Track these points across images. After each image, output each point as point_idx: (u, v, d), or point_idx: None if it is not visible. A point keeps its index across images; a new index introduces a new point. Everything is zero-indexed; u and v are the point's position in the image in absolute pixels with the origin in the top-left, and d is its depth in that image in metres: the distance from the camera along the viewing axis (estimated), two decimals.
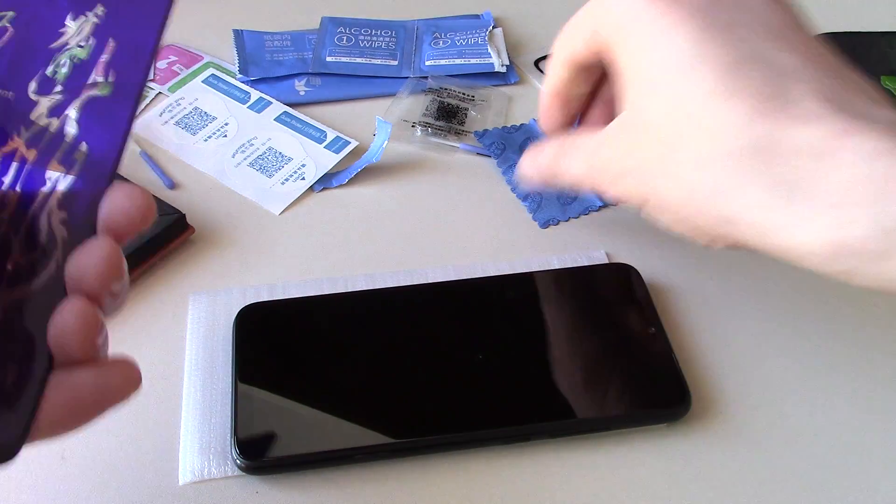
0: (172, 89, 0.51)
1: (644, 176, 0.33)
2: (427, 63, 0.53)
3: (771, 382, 0.37)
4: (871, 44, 0.58)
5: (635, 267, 0.40)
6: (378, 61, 0.53)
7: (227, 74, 0.52)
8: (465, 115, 0.50)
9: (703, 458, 0.34)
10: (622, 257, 0.42)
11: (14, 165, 0.23)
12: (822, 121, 0.28)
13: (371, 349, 0.36)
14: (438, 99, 0.51)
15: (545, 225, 0.44)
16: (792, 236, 0.28)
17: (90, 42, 0.24)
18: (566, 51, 0.38)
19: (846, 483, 0.34)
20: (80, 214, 0.23)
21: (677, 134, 0.31)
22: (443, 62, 0.53)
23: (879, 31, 0.59)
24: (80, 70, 0.24)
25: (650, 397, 0.35)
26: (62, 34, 0.24)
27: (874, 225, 0.26)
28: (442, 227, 0.44)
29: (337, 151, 0.47)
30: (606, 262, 0.42)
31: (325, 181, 0.46)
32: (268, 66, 0.53)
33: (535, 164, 0.39)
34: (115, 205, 0.23)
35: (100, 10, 0.24)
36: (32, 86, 0.24)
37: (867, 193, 0.27)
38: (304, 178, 0.46)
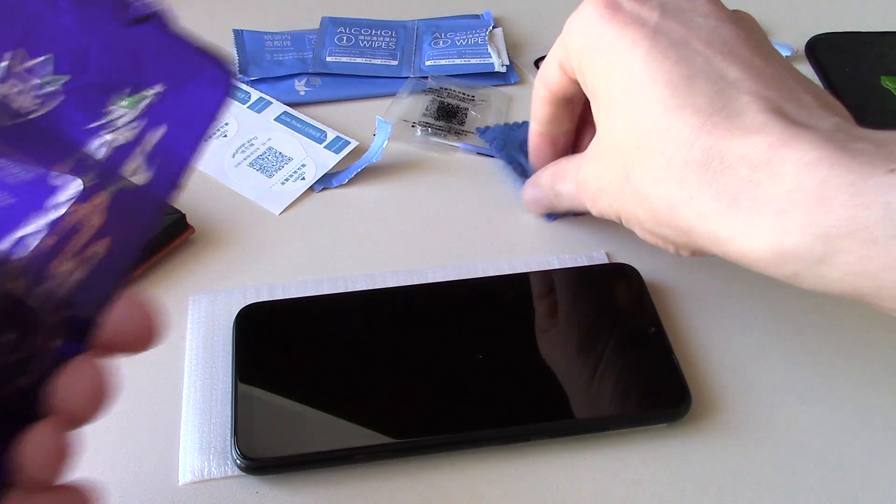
0: None
1: (614, 193, 0.35)
2: (427, 63, 0.53)
3: (771, 382, 0.37)
4: (871, 44, 0.58)
5: (635, 267, 0.40)
6: (378, 61, 0.53)
7: None
8: (465, 115, 0.50)
9: (703, 458, 0.34)
10: (622, 257, 0.42)
11: (28, 250, 0.20)
12: (763, 132, 0.29)
13: (371, 349, 0.36)
14: (438, 99, 0.51)
15: (552, 218, 0.44)
16: (740, 244, 0.29)
17: (139, 123, 0.21)
18: (545, 86, 0.39)
19: (846, 483, 0.34)
20: (80, 320, 0.21)
21: (636, 151, 0.32)
22: (443, 62, 0.53)
23: (879, 31, 0.59)
24: (120, 154, 0.21)
25: (650, 397, 0.35)
26: (109, 113, 0.21)
27: (810, 233, 0.27)
28: (442, 227, 0.44)
29: (337, 151, 0.47)
30: (606, 262, 0.42)
31: (325, 181, 0.46)
32: (268, 66, 0.53)
33: (536, 188, 0.42)
34: (119, 324, 0.22)
35: (159, 88, 0.21)
36: (67, 165, 0.21)
37: (803, 202, 0.27)
38: (304, 178, 0.46)
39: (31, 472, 0.20)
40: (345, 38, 0.55)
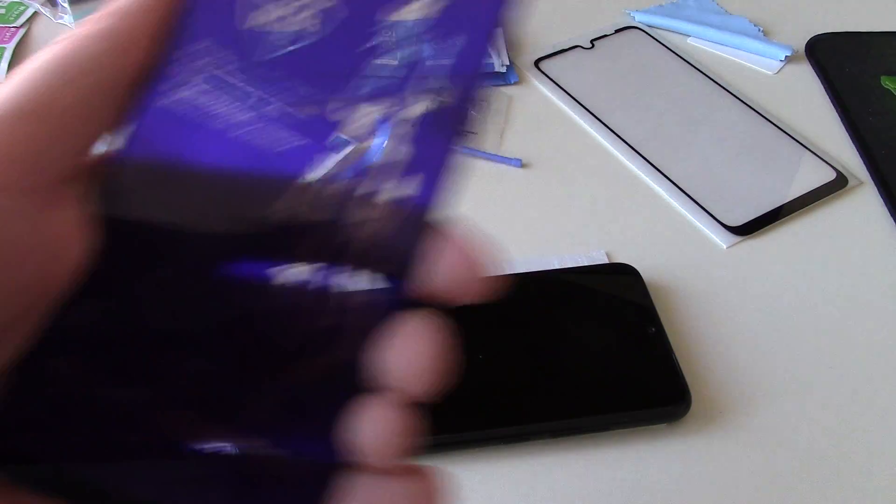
0: None
1: None
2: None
3: (771, 382, 0.37)
4: (871, 44, 0.58)
5: (635, 267, 0.40)
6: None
7: None
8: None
9: (703, 458, 0.34)
10: (622, 257, 0.42)
11: (320, 196, 0.18)
12: None
13: None
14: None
15: None
16: None
17: (432, 29, 0.18)
18: None
19: (846, 482, 0.34)
20: (389, 291, 0.17)
21: None
22: None
23: (879, 31, 0.59)
24: (414, 69, 0.18)
25: (650, 397, 0.35)
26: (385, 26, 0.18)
27: None
28: None
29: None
30: (606, 262, 0.42)
31: None
32: None
33: None
34: (441, 274, 0.17)
35: None
36: (363, 91, 0.18)
37: None
38: None
39: (374, 453, 0.18)
40: None
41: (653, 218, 0.45)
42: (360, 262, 0.17)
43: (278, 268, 0.17)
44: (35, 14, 0.57)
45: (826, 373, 0.38)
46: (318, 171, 0.18)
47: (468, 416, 0.34)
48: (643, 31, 0.58)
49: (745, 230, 0.44)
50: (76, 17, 0.56)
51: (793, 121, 0.51)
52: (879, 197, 0.47)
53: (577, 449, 0.34)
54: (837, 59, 0.56)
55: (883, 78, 0.54)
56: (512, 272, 0.41)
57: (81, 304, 0.17)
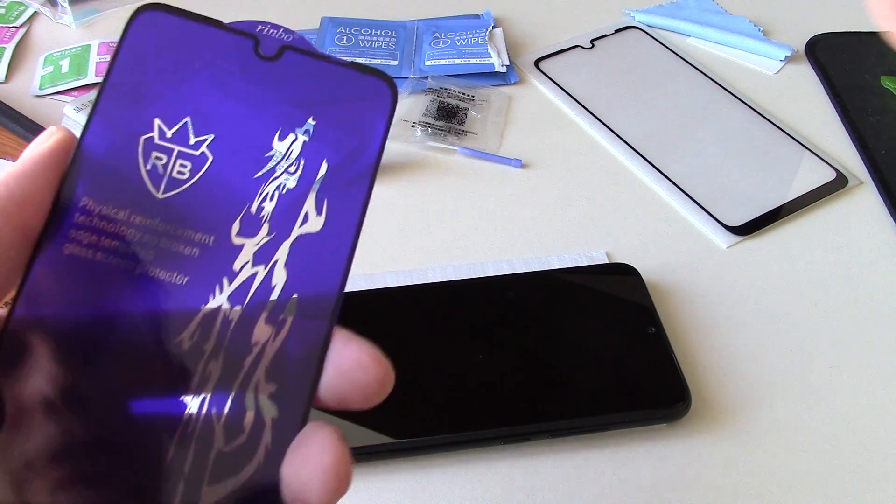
0: None
1: None
2: (427, 63, 0.53)
3: (771, 382, 0.37)
4: (871, 44, 0.58)
5: (635, 267, 0.40)
6: (378, 61, 0.53)
7: None
8: (465, 115, 0.50)
9: (703, 458, 0.34)
10: (622, 257, 0.42)
11: (217, 328, 0.19)
12: None
13: None
14: (438, 99, 0.51)
15: None
16: None
17: (300, 165, 0.20)
18: None
19: (846, 482, 0.34)
20: (294, 387, 0.19)
21: None
22: (443, 62, 0.53)
23: (879, 31, 0.59)
24: (289, 202, 0.20)
25: (650, 397, 0.35)
26: (268, 160, 0.20)
27: None
28: (442, 227, 0.44)
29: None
30: (606, 262, 0.42)
31: None
32: None
33: None
34: (342, 374, 0.20)
35: (310, 122, 0.21)
36: (235, 227, 0.20)
37: None
38: None
39: None
40: (345, 38, 0.55)
41: (653, 218, 0.45)
42: (265, 379, 0.19)
43: (186, 397, 0.19)
44: (35, 14, 0.57)
45: (826, 373, 0.38)
46: (220, 297, 0.20)
47: (468, 415, 0.34)
48: (643, 31, 0.58)
49: (745, 230, 0.44)
50: (76, 18, 0.56)
51: (793, 121, 0.51)
52: (879, 197, 0.47)
53: (577, 449, 0.34)
54: (837, 59, 0.56)
55: (883, 78, 0.54)
56: (511, 273, 0.41)
57: None
